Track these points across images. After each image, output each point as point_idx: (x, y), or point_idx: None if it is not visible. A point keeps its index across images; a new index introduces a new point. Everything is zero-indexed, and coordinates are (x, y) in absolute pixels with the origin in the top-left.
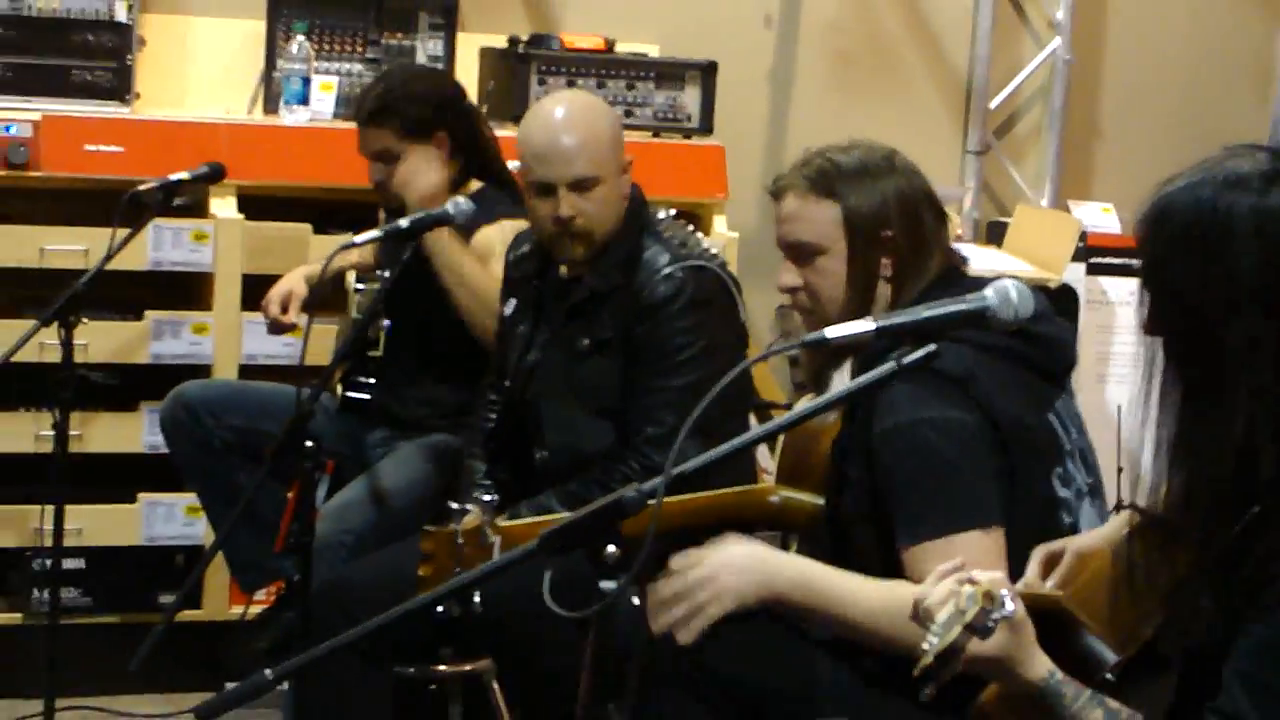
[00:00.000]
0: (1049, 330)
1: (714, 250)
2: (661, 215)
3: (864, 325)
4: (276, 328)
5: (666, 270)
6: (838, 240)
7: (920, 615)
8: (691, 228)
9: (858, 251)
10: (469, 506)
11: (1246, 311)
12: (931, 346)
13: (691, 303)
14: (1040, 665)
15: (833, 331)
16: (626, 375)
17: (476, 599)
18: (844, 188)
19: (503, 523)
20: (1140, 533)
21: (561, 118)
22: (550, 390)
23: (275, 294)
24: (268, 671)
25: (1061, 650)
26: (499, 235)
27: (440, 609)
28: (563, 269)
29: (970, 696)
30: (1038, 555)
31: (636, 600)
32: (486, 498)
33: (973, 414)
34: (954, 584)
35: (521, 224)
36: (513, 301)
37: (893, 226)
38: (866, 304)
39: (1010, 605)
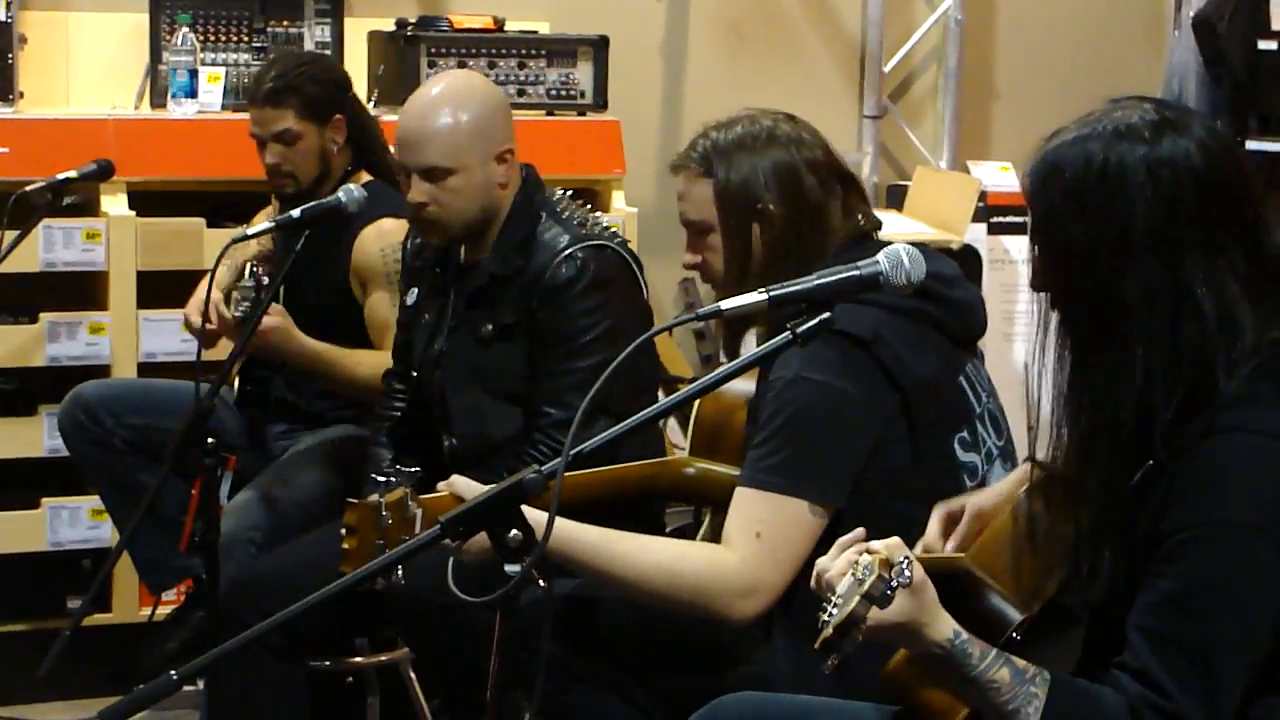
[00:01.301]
0: (961, 294)
1: (613, 229)
2: (558, 195)
3: (756, 296)
4: (206, 337)
5: (567, 251)
6: (716, 216)
7: (822, 586)
8: (589, 207)
9: (730, 225)
10: (393, 479)
11: (1141, 261)
12: (826, 314)
13: (593, 283)
14: (945, 627)
15: (727, 304)
16: (531, 359)
17: (400, 571)
18: (719, 163)
19: (425, 496)
20: (1039, 488)
21: (422, 104)
22: (457, 378)
23: (192, 306)
24: (173, 673)
25: (966, 612)
26: (375, 235)
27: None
28: (463, 254)
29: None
30: (937, 514)
31: (543, 584)
32: (410, 470)
33: (867, 383)
34: (854, 554)
35: (401, 224)
36: (414, 291)
37: (766, 199)
38: (746, 276)
39: (908, 573)
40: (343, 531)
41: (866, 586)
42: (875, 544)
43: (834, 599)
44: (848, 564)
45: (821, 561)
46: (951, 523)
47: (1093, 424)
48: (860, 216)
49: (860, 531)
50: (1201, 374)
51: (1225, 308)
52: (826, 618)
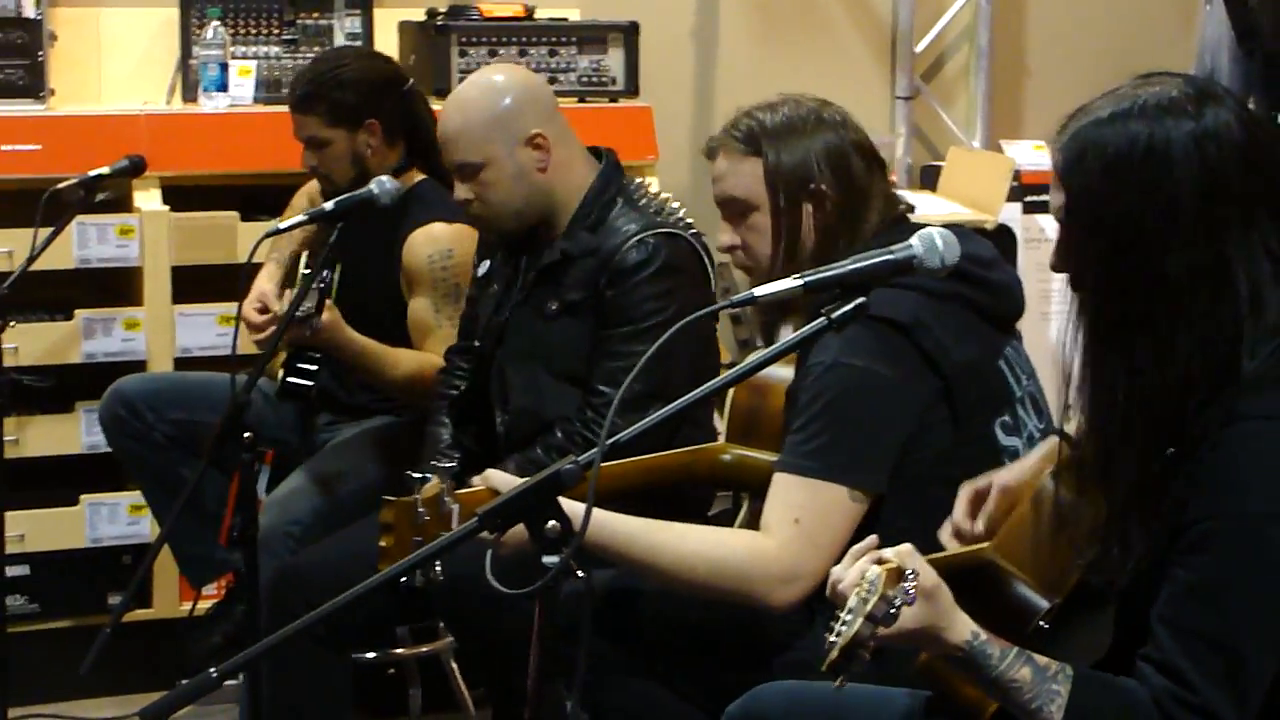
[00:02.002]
0: (999, 277)
1: (688, 220)
2: (637, 182)
3: (791, 282)
4: (261, 334)
5: (639, 235)
6: (765, 196)
7: (834, 598)
8: (667, 196)
9: (782, 206)
10: (428, 475)
11: (1187, 239)
12: (861, 299)
13: (663, 269)
14: (962, 629)
15: (761, 290)
16: (593, 339)
17: (438, 567)
18: (769, 143)
19: (461, 491)
20: (1063, 472)
21: (447, 106)
22: (518, 352)
23: (248, 306)
24: (213, 670)
25: (993, 603)
26: (424, 240)
27: (404, 579)
28: (540, 233)
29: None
30: (964, 493)
31: (582, 574)
32: (446, 465)
33: (907, 368)
34: (865, 565)
35: (453, 229)
36: (486, 263)
37: (819, 180)
38: (796, 258)
39: (912, 591)
40: (381, 529)
41: (870, 607)
42: (887, 552)
43: (841, 615)
44: (857, 576)
45: (835, 571)
46: (979, 501)
47: (1130, 405)
48: (895, 202)
49: (872, 539)
50: (1230, 354)
51: (1256, 286)
52: (833, 638)
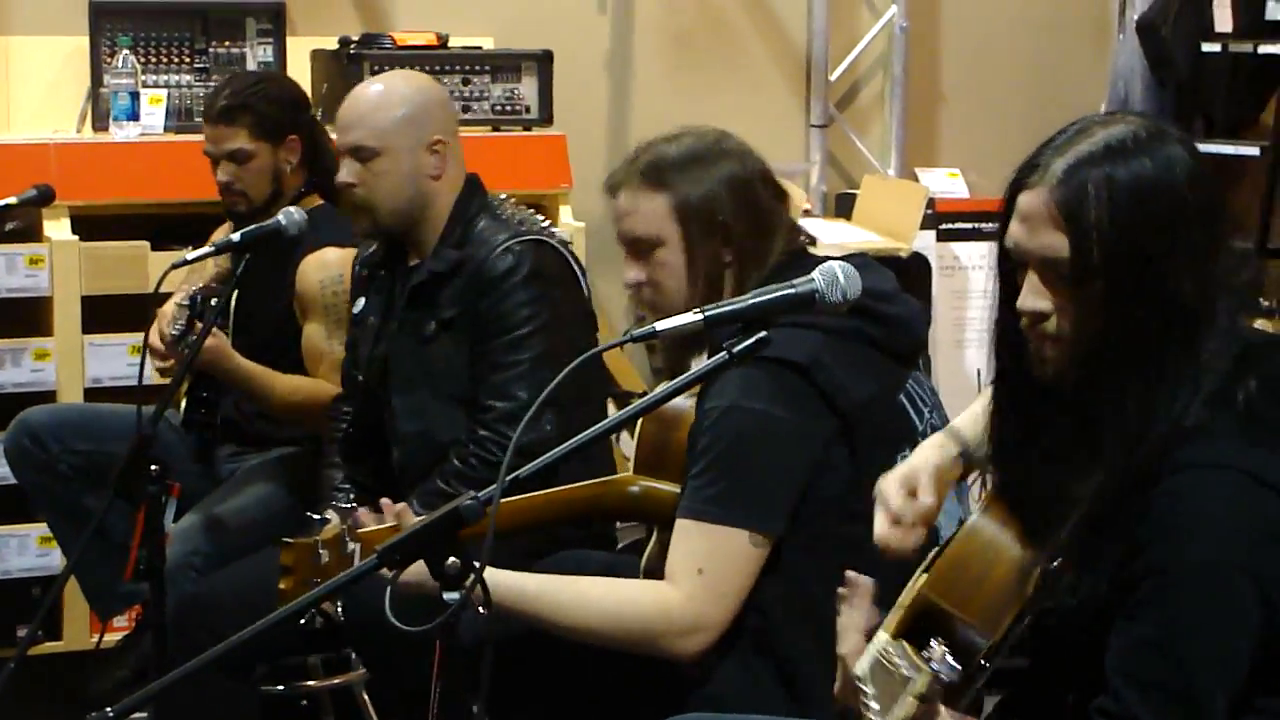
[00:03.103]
0: (899, 310)
1: (553, 227)
2: (499, 198)
3: (692, 316)
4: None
5: (504, 244)
6: (673, 231)
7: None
8: (530, 209)
9: (693, 240)
10: (329, 515)
11: (1195, 265)
12: (762, 333)
13: (531, 275)
14: None
15: (662, 324)
16: (474, 354)
17: (339, 608)
18: (674, 177)
19: (363, 530)
20: (992, 505)
21: (359, 90)
22: (402, 379)
23: (153, 340)
24: (109, 710)
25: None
26: (316, 265)
27: (303, 620)
28: (410, 258)
29: None
30: (893, 483)
31: (482, 609)
32: (345, 505)
33: (805, 409)
34: (879, 639)
35: (344, 254)
36: (361, 300)
37: (726, 212)
38: (711, 292)
39: (956, 665)
40: (280, 572)
41: (922, 688)
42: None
43: (867, 690)
44: (859, 641)
45: (839, 649)
46: (909, 489)
47: (1136, 436)
48: (796, 233)
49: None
50: (1193, 391)
51: (1221, 318)
52: (874, 717)
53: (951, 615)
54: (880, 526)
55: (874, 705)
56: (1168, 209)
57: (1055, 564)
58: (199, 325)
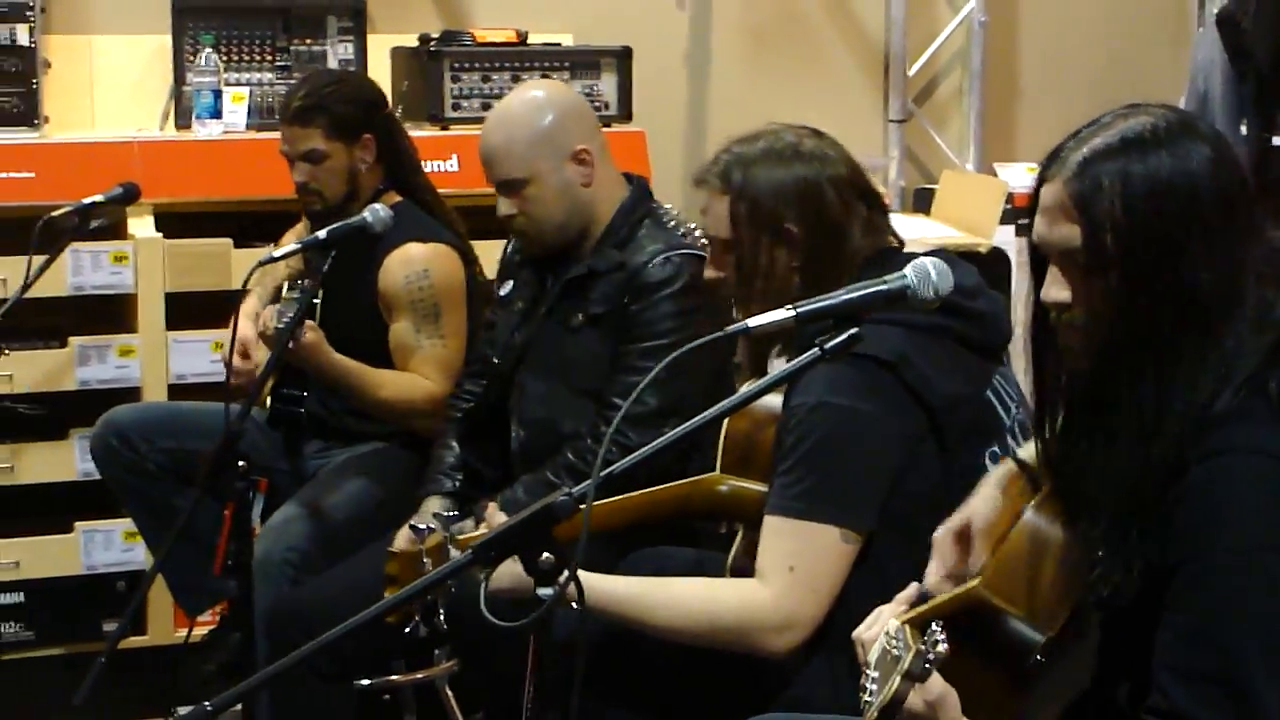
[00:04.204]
0: (983, 306)
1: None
2: (666, 206)
3: (784, 313)
4: (242, 379)
5: (665, 254)
6: (737, 233)
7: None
8: (691, 223)
9: (754, 243)
10: (431, 525)
11: (1215, 256)
12: (854, 329)
13: (686, 288)
14: None
15: (754, 320)
16: (613, 352)
17: (441, 616)
18: (741, 180)
19: (464, 537)
20: (1046, 503)
21: (490, 121)
22: (540, 365)
23: (227, 347)
24: (207, 703)
25: (990, 640)
26: (400, 262)
27: (408, 630)
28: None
29: None
30: (946, 539)
31: (576, 606)
32: (446, 514)
33: (893, 405)
34: (886, 620)
35: (429, 250)
36: (509, 283)
37: (789, 216)
38: (775, 294)
39: (943, 644)
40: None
41: (907, 664)
42: (892, 608)
43: (870, 675)
44: (879, 633)
45: (858, 631)
46: (964, 543)
47: (1159, 429)
48: (879, 231)
49: (911, 591)
50: (1223, 381)
51: (1248, 310)
52: (868, 698)
53: (1004, 611)
54: (931, 578)
55: (871, 688)
56: (1182, 203)
57: (1094, 558)
58: (309, 322)
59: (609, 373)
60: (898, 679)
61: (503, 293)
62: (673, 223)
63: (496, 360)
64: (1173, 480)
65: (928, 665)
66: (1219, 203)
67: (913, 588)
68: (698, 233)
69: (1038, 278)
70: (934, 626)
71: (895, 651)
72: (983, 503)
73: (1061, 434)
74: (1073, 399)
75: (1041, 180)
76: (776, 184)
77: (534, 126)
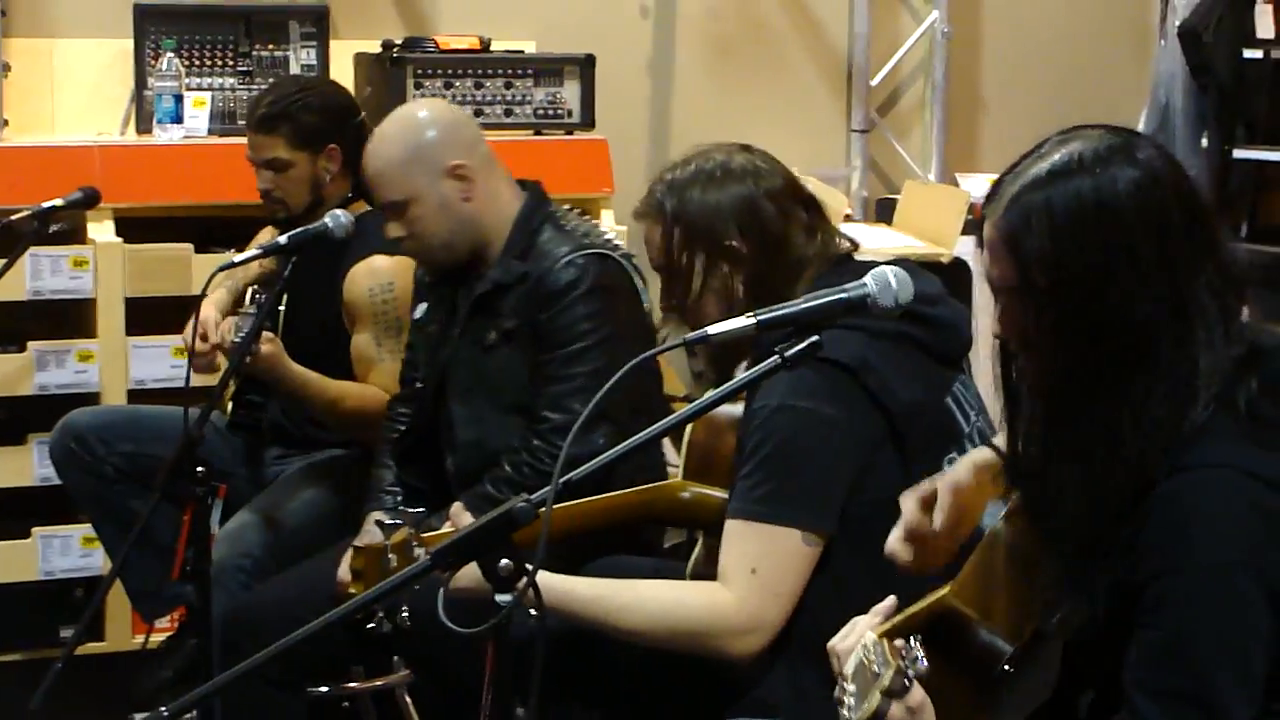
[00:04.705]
0: (943, 313)
1: (617, 240)
2: (563, 209)
3: (744, 320)
4: (199, 360)
5: (568, 257)
6: (683, 258)
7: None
8: (593, 220)
9: (697, 262)
10: (398, 520)
11: (1151, 284)
12: (814, 337)
13: (593, 289)
14: None
15: (715, 329)
16: (533, 365)
17: (405, 613)
18: (677, 206)
19: (428, 534)
20: (1014, 515)
21: (370, 144)
22: (461, 387)
23: (189, 331)
24: (164, 710)
25: (958, 649)
26: (365, 272)
27: (371, 624)
28: (474, 268)
29: None
30: (911, 500)
31: (534, 612)
32: (415, 509)
33: (854, 409)
34: (862, 633)
35: (394, 261)
36: (423, 306)
37: (730, 234)
38: (730, 313)
39: (923, 661)
40: (349, 575)
41: (887, 682)
42: (868, 620)
43: (847, 689)
44: (855, 645)
45: (833, 643)
46: (929, 504)
47: (1106, 461)
48: (824, 236)
49: (889, 603)
50: (1188, 401)
51: (1208, 326)
52: (847, 713)
53: (973, 621)
54: (892, 539)
55: (849, 702)
56: (1106, 231)
57: (1055, 596)
58: (266, 334)
59: (532, 386)
60: (878, 695)
61: (416, 315)
62: (572, 225)
63: (420, 385)
64: (1140, 499)
65: (907, 684)
66: (1147, 227)
67: (889, 600)
68: (604, 230)
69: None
70: (913, 643)
71: (874, 667)
72: (950, 470)
73: (1026, 456)
74: (1033, 426)
75: (983, 218)
76: (712, 205)
77: (406, 146)
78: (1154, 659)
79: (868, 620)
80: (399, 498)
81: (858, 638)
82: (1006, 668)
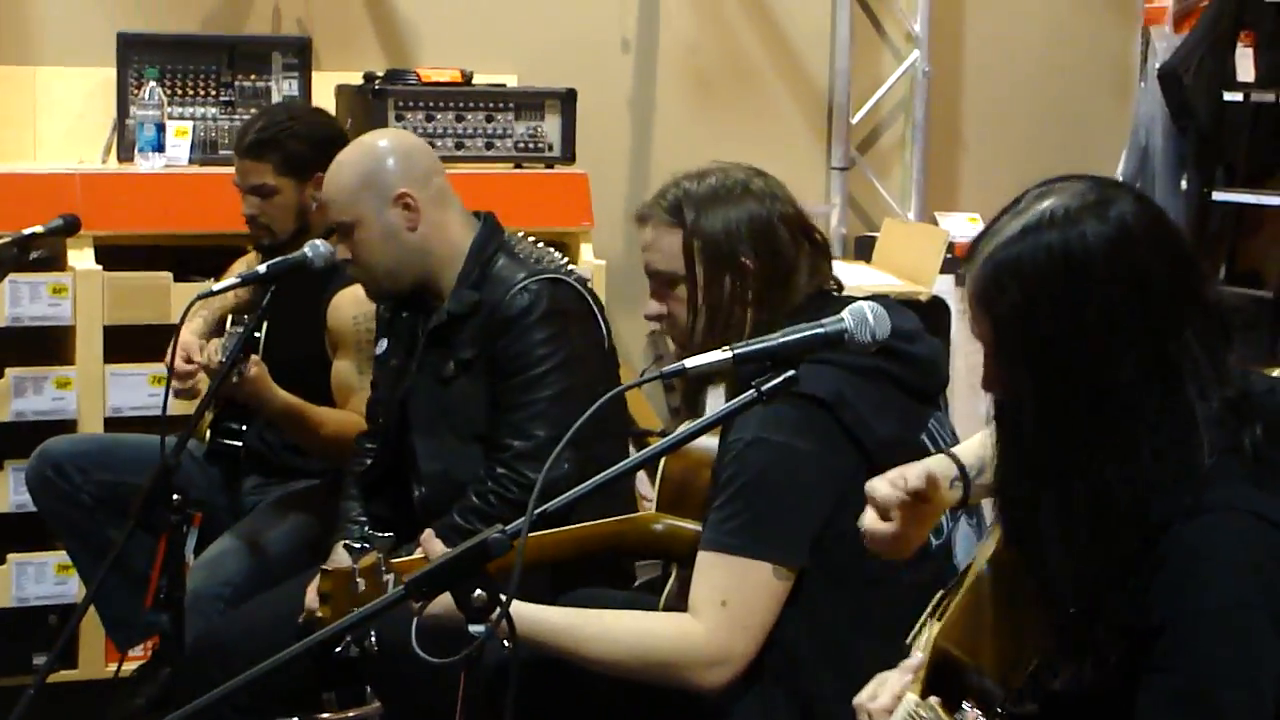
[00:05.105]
0: (920, 350)
1: (569, 264)
2: (516, 236)
3: (721, 354)
4: (184, 385)
5: (521, 284)
6: (691, 269)
7: None
8: (546, 245)
9: (709, 278)
10: (366, 544)
11: (1131, 341)
12: (791, 372)
13: (548, 313)
14: None
15: (691, 362)
16: (492, 393)
17: (373, 637)
18: (694, 215)
19: (396, 560)
20: (1004, 551)
21: (330, 168)
22: (423, 420)
23: (170, 356)
24: None
25: (956, 689)
26: (350, 300)
27: (339, 649)
28: (431, 301)
29: None
30: (883, 484)
31: (507, 643)
32: (384, 534)
33: (828, 443)
34: (899, 691)
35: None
36: (384, 341)
37: (744, 252)
38: (724, 329)
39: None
40: (316, 600)
41: None
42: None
43: None
44: (890, 701)
45: (862, 700)
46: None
47: (1097, 520)
48: (825, 276)
49: (917, 660)
50: (1186, 452)
51: (1199, 378)
52: None
53: (966, 665)
54: (867, 516)
55: None
56: (1077, 288)
57: (1074, 626)
58: (254, 357)
59: (492, 414)
60: None
61: (378, 352)
62: (525, 252)
63: (381, 420)
64: (1148, 547)
65: None
66: (1121, 284)
67: (917, 657)
68: (556, 255)
69: None
70: (965, 707)
71: None
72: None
73: (1022, 510)
74: (1021, 482)
75: (963, 278)
76: (733, 221)
77: (359, 172)
78: (1170, 704)
79: (898, 678)
80: (366, 527)
81: (892, 697)
82: (999, 710)
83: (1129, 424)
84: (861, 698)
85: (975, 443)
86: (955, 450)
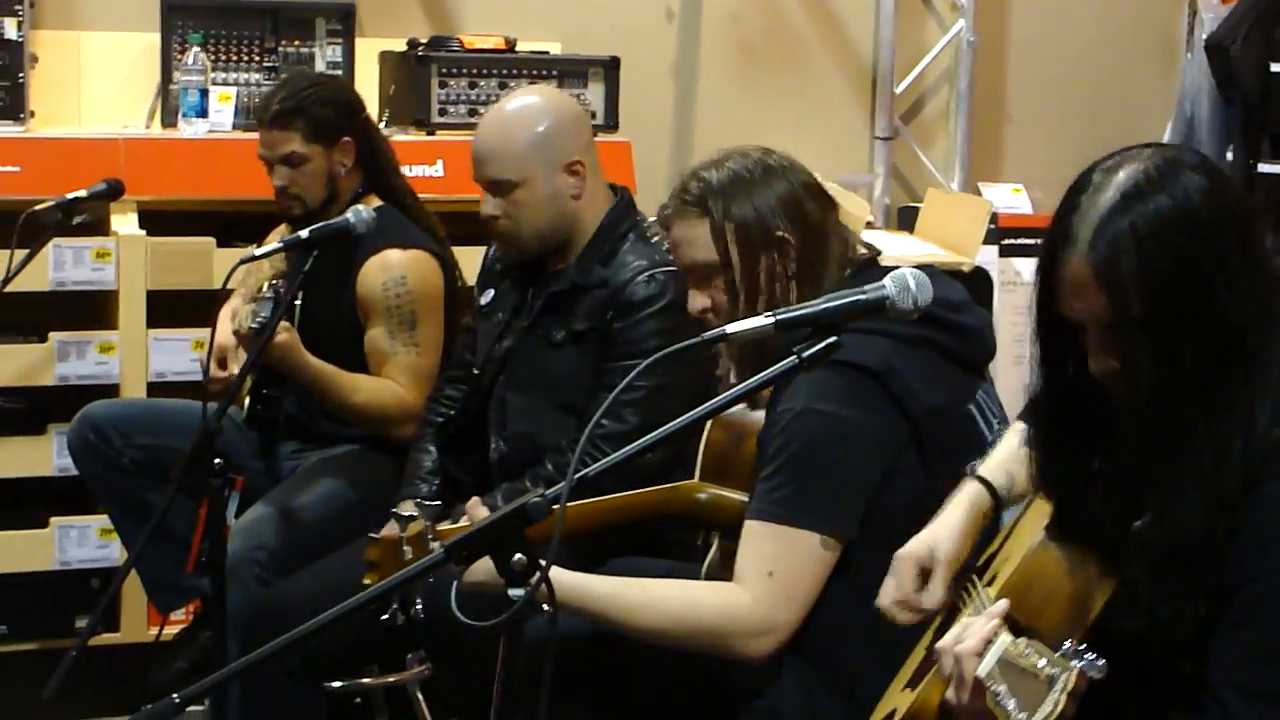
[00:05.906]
0: (968, 320)
1: None
2: (649, 220)
3: (763, 320)
4: (217, 385)
5: (649, 271)
6: (730, 254)
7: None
8: None
9: (752, 260)
10: (414, 513)
11: (1242, 285)
12: (832, 338)
13: (669, 306)
14: None
15: (733, 327)
16: (596, 370)
17: (419, 605)
18: (722, 202)
19: (444, 527)
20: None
21: (489, 120)
22: (520, 379)
23: (224, 338)
24: (175, 695)
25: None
26: (378, 268)
27: (385, 616)
28: (549, 263)
29: None
30: (906, 566)
31: (547, 608)
32: (430, 503)
33: (877, 413)
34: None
35: (407, 256)
36: (490, 292)
37: (782, 227)
38: (770, 308)
39: (1100, 661)
40: (365, 567)
41: (1071, 684)
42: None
43: (992, 689)
44: (979, 644)
45: (945, 644)
46: (924, 573)
47: (1211, 476)
48: (850, 237)
49: (1001, 605)
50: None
51: None
52: (1017, 712)
53: (1026, 629)
54: (885, 597)
55: (1010, 702)
56: (1195, 238)
57: (1129, 587)
58: (284, 324)
59: (591, 389)
60: (1063, 697)
61: (483, 302)
62: (657, 238)
63: (477, 371)
64: (1236, 508)
65: (1085, 684)
66: (1228, 226)
67: (1003, 603)
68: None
69: (1050, 337)
70: (1067, 644)
71: (1046, 670)
72: (946, 532)
73: (1078, 472)
74: (1099, 442)
75: (1052, 259)
76: (763, 201)
77: (532, 130)
78: (1251, 660)
79: (983, 622)
80: (435, 485)
81: (980, 640)
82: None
83: (1246, 376)
84: (946, 641)
85: (1001, 453)
86: (983, 472)
